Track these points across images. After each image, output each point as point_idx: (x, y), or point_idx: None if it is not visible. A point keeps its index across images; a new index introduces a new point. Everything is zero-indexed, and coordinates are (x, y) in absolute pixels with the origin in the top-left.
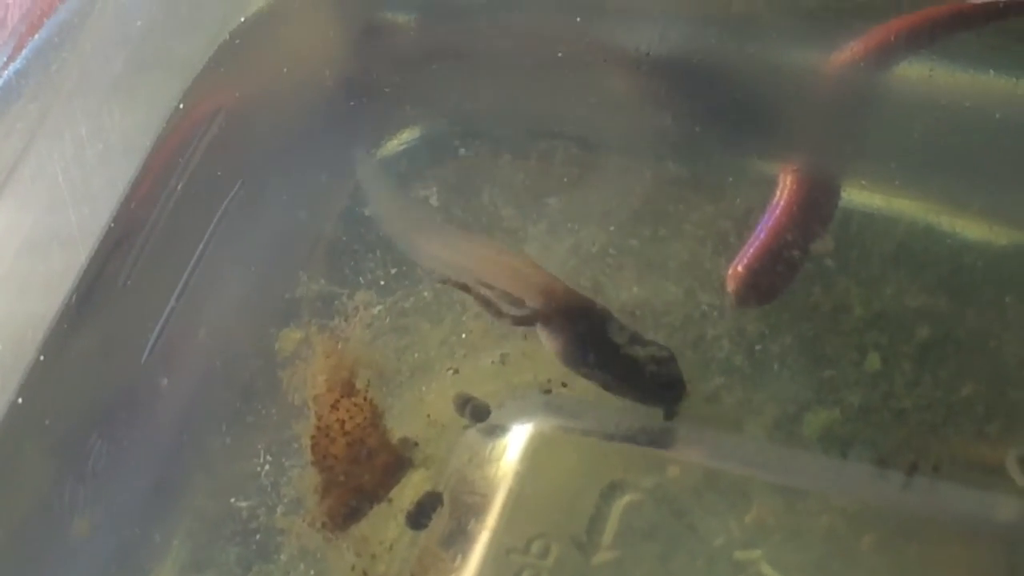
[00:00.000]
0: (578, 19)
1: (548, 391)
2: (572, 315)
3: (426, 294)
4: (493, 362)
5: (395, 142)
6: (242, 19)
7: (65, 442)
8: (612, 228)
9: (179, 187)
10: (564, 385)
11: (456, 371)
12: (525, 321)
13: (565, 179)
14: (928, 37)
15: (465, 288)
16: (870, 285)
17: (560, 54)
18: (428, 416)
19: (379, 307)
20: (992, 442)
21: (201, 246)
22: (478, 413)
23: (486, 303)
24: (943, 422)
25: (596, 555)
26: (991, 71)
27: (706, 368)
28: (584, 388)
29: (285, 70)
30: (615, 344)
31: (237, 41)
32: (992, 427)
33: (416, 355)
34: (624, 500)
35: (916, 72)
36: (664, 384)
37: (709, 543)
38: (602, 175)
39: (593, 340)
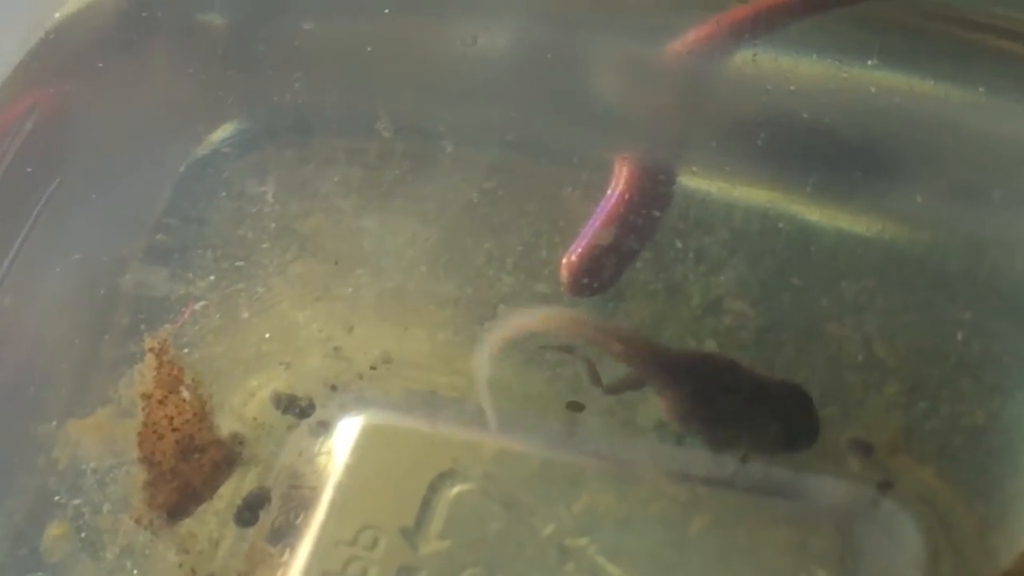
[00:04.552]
0: (387, 11)
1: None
2: (680, 374)
3: (259, 289)
4: (326, 355)
5: (221, 136)
6: (57, 16)
7: None
8: (448, 220)
9: None
10: (393, 360)
11: (287, 365)
12: (623, 387)
13: (402, 171)
14: (766, 25)
15: (569, 351)
16: (708, 271)
17: (383, 46)
18: (258, 411)
19: (208, 303)
20: (828, 425)
21: (17, 244)
22: (301, 410)
23: (591, 370)
24: None
25: (425, 545)
26: (814, 55)
27: (541, 357)
28: (415, 379)
29: (101, 66)
30: (736, 398)
31: (52, 37)
32: (828, 411)
33: (247, 350)
34: (454, 490)
35: (740, 58)
36: (792, 435)
37: (538, 532)
38: (439, 166)
39: (707, 398)
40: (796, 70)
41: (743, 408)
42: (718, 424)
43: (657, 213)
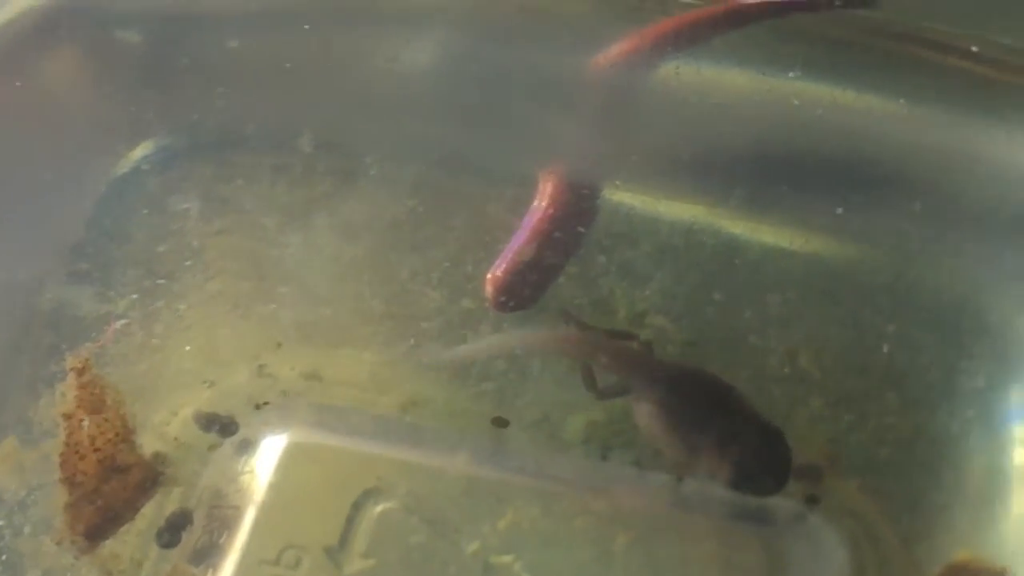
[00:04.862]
0: (306, 27)
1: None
2: (664, 386)
3: (183, 307)
4: (250, 373)
5: (143, 153)
6: None
7: None
8: (374, 236)
9: None
10: (318, 378)
11: (211, 384)
12: (614, 393)
13: (325, 188)
14: (689, 38)
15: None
16: (633, 285)
17: (303, 62)
18: (181, 430)
19: (130, 321)
20: None
21: None
22: (224, 429)
23: (587, 374)
24: None
25: (348, 564)
26: (736, 67)
27: (467, 374)
28: (340, 396)
29: (19, 84)
30: (715, 422)
31: None
32: None
33: (169, 369)
34: (378, 508)
35: (663, 71)
36: (758, 478)
37: (463, 549)
38: (363, 183)
39: (687, 415)
40: (719, 83)
41: (719, 435)
42: (689, 446)
43: (582, 229)
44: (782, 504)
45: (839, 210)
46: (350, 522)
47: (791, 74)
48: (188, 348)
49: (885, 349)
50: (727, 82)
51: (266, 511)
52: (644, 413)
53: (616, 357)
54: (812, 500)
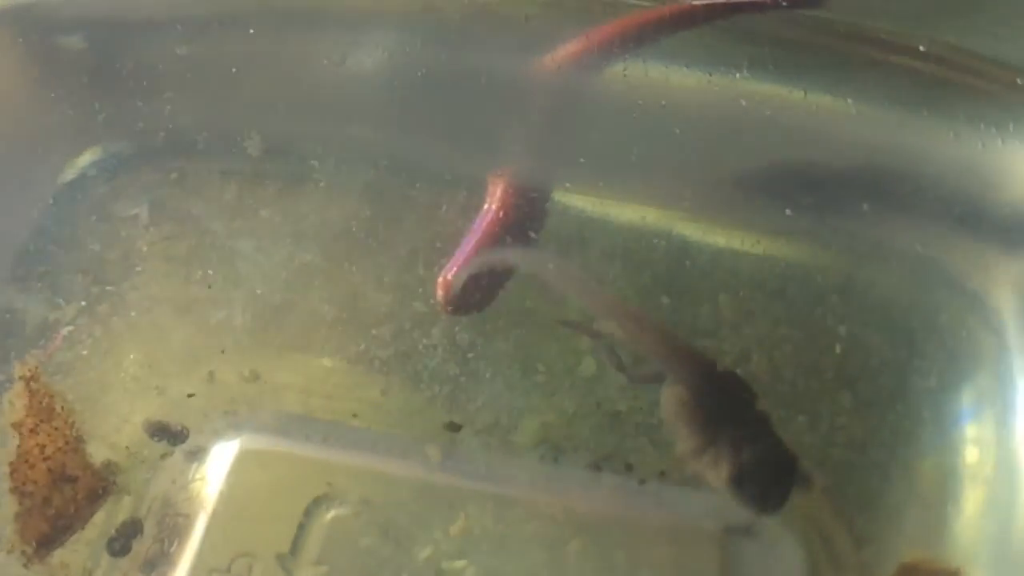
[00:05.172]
0: (251, 31)
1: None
2: (698, 379)
3: (133, 313)
4: (200, 380)
5: (90, 159)
6: None
7: None
8: (324, 241)
9: None
10: (268, 384)
11: (161, 391)
12: (647, 379)
13: (275, 192)
14: (636, 40)
15: (595, 336)
16: None
17: (250, 67)
18: (131, 438)
19: (78, 328)
20: None
21: None
22: (174, 437)
23: (614, 356)
24: (658, 424)
25: (300, 572)
26: (684, 68)
27: (418, 378)
28: (291, 402)
29: None
30: (741, 422)
31: None
32: None
33: (119, 376)
34: (330, 515)
35: (610, 73)
36: (764, 484)
37: (415, 556)
38: (313, 187)
39: (715, 407)
40: (667, 84)
41: (739, 436)
42: (708, 438)
43: (532, 233)
44: (736, 505)
45: (788, 211)
46: (302, 529)
47: (739, 75)
48: (137, 355)
49: (837, 350)
50: (675, 83)
51: (217, 519)
52: (675, 397)
53: (665, 343)
54: None
